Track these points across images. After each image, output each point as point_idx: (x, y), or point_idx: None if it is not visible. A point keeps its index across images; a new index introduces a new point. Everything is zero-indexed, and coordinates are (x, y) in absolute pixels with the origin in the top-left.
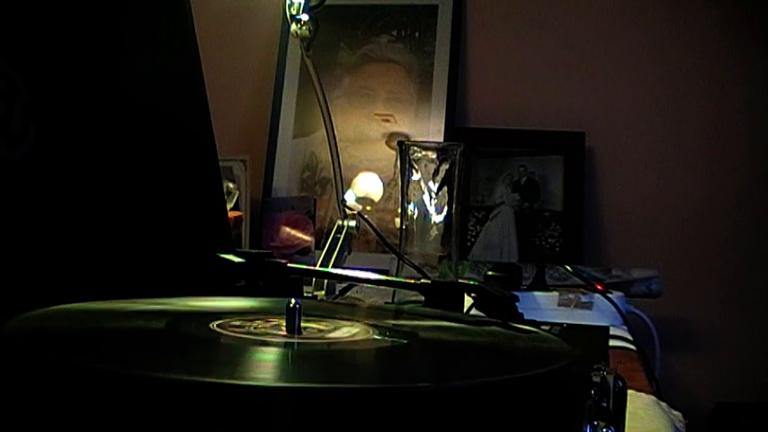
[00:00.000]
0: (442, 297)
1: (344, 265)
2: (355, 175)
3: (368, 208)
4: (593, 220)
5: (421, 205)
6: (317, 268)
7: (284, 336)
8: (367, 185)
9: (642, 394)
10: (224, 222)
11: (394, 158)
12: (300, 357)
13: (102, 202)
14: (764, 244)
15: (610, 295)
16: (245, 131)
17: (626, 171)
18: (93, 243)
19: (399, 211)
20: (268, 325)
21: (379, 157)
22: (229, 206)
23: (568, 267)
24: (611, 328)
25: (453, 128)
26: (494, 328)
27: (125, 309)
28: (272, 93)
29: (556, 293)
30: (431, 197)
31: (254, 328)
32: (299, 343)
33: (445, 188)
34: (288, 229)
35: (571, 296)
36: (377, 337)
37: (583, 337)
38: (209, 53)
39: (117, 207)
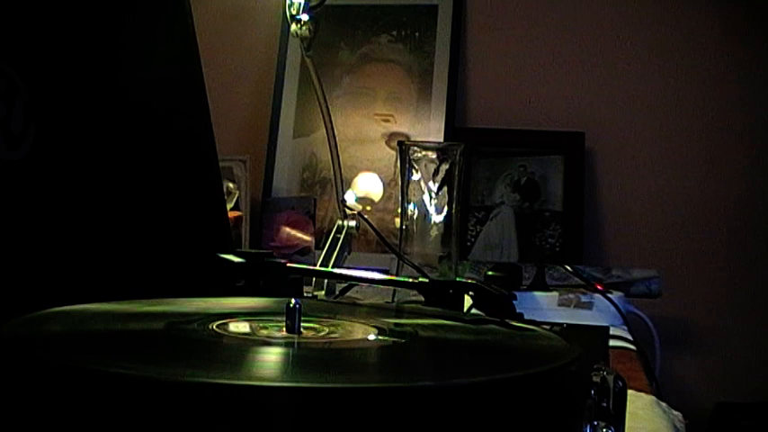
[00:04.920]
0: (441, 296)
1: (344, 265)
2: (355, 175)
3: (368, 208)
4: (593, 220)
5: (421, 205)
6: (317, 268)
7: (284, 336)
8: (367, 185)
9: (642, 394)
10: (224, 222)
11: (394, 158)
12: (300, 357)
13: (101, 202)
14: (764, 244)
15: (610, 295)
16: (245, 131)
17: (626, 171)
18: (92, 244)
19: (399, 211)
20: (268, 325)
21: (379, 157)
22: (229, 206)
23: (568, 267)
24: (611, 328)
25: (453, 128)
26: (493, 326)
27: (125, 310)
28: (272, 93)
29: (556, 293)
30: (431, 197)
31: (255, 328)
32: (299, 343)
33: (445, 188)
34: (288, 229)
35: (571, 296)
36: (377, 336)
37: (583, 337)
38: (210, 53)
39: (117, 207)
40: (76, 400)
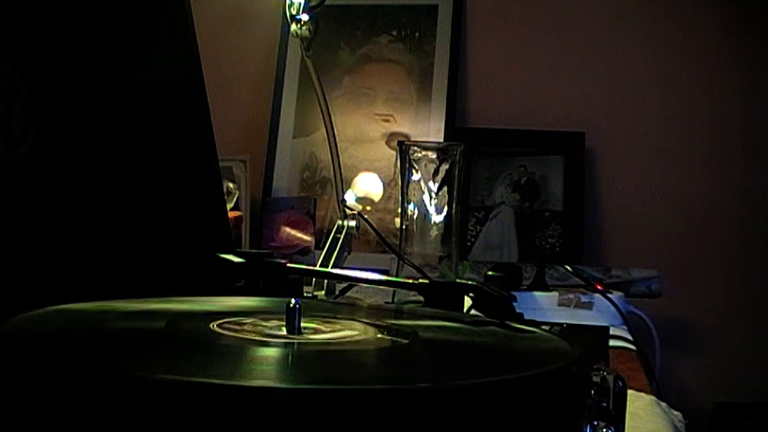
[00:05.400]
0: (441, 297)
1: (344, 265)
2: (355, 175)
3: (368, 208)
4: (593, 220)
5: (421, 205)
6: (317, 268)
7: (284, 336)
8: (367, 185)
9: (642, 394)
10: (224, 222)
11: (394, 158)
12: (300, 357)
13: (101, 202)
14: (764, 244)
15: (610, 295)
16: (245, 131)
17: (626, 171)
18: (92, 243)
19: (399, 211)
20: (268, 325)
21: (379, 157)
22: (229, 206)
23: (568, 267)
24: (611, 328)
25: (453, 128)
26: (493, 328)
27: (125, 309)
28: (272, 93)
29: (556, 293)
30: (431, 197)
31: (254, 328)
32: (298, 343)
33: (445, 188)
34: (288, 229)
35: (571, 296)
36: (377, 337)
37: (583, 337)
38: (210, 53)
39: (117, 207)
40: (76, 400)
